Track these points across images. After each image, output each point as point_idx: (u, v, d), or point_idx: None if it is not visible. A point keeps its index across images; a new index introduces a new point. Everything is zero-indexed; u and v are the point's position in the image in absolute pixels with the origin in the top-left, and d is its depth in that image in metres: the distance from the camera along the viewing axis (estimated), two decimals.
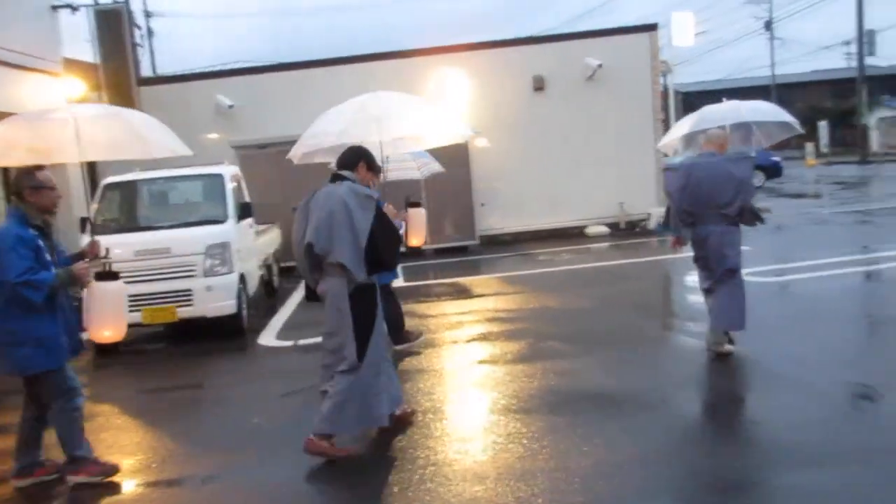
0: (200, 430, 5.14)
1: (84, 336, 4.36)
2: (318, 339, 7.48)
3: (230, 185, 8.44)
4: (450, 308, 8.54)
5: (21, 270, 3.86)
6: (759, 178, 21.51)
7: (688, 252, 6.13)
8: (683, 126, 6.54)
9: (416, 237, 6.30)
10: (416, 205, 6.35)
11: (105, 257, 4.33)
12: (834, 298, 7.53)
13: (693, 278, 7.61)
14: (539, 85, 14.28)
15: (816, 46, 60.31)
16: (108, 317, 4.26)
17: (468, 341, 6.89)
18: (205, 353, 7.54)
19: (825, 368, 5.24)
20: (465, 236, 13.69)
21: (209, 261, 7.58)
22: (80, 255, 4.35)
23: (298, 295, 10.44)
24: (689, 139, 6.73)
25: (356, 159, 4.50)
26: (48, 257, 4.06)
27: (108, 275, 4.29)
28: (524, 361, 6.01)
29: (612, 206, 14.27)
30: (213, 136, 13.48)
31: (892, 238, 10.84)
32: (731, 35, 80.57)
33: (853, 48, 37.61)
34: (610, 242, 13.26)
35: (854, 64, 37.04)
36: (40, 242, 4.02)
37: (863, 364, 5.47)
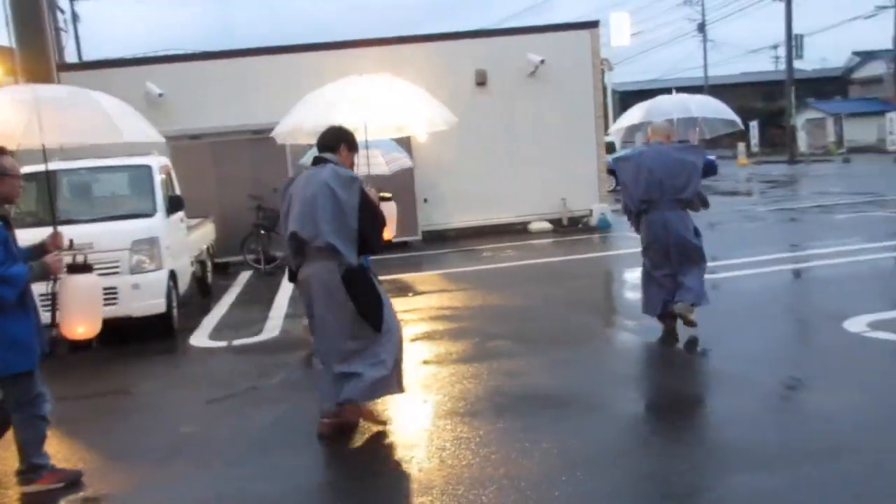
0: (124, 441, 4.75)
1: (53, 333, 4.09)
2: (254, 339, 7.25)
3: (159, 177, 8.01)
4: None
5: None
6: None
7: (628, 248, 6.10)
8: (635, 115, 6.56)
9: (387, 231, 6.18)
10: (387, 199, 6.22)
11: (71, 248, 4.07)
12: (768, 295, 7.63)
13: (634, 275, 7.60)
14: (481, 80, 14.15)
15: (746, 49, 62.65)
16: (82, 312, 4.03)
17: (412, 340, 6.68)
18: (131, 355, 7.10)
19: (766, 366, 5.24)
20: (408, 232, 13.45)
21: (136, 257, 7.15)
22: (41, 248, 4.00)
23: (234, 293, 10.04)
24: (632, 131, 6.81)
25: (337, 141, 4.40)
26: (15, 250, 3.72)
27: (81, 267, 4.06)
28: (470, 362, 5.84)
29: (555, 202, 14.30)
30: None
31: (820, 235, 11.18)
32: (666, 36, 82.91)
33: (781, 52, 39.19)
34: (553, 239, 13.27)
35: (781, 67, 38.57)
36: (6, 234, 3.68)
37: (803, 362, 5.51)
